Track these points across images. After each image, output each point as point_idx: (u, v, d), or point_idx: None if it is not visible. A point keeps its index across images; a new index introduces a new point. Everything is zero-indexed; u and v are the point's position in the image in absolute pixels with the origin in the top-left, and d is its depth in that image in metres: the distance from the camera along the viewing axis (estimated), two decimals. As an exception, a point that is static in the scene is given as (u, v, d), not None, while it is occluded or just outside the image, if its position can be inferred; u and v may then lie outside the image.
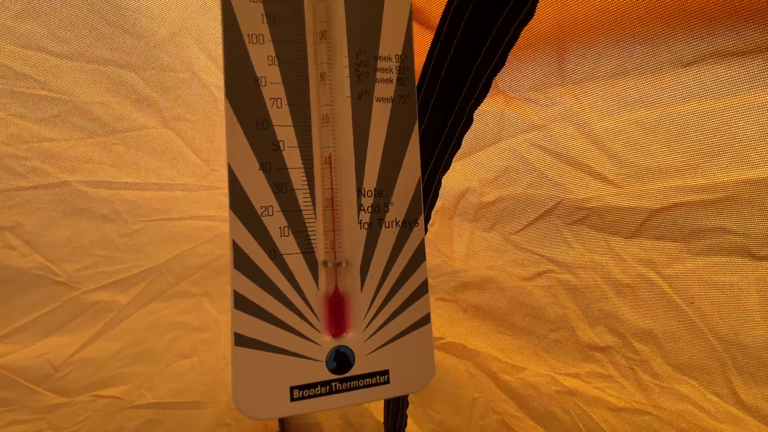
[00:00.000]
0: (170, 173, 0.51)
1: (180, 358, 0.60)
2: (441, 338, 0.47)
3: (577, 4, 0.21)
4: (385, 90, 0.18)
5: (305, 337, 0.17)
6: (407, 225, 0.18)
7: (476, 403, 0.49)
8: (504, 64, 0.22)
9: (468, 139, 0.28)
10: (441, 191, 0.35)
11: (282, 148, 0.17)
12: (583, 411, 0.38)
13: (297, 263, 0.17)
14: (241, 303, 0.16)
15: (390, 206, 0.18)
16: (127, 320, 0.54)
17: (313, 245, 0.17)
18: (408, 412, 0.55)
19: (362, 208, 0.18)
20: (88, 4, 0.38)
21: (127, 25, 0.40)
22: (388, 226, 0.18)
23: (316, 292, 0.17)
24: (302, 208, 0.17)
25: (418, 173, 0.19)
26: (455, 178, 0.37)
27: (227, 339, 0.63)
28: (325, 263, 0.17)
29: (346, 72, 0.17)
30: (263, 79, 0.16)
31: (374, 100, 0.18)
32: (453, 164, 0.32)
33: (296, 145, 0.17)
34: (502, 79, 0.26)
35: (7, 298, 0.44)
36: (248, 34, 0.16)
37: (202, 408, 0.63)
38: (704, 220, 0.23)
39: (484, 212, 0.35)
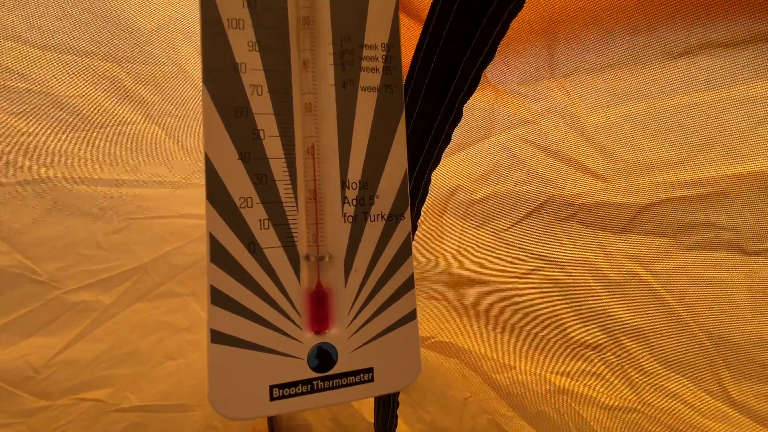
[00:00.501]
0: (156, 170, 0.50)
1: (166, 360, 0.59)
2: (431, 337, 0.47)
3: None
4: (370, 79, 0.17)
5: (286, 334, 0.16)
6: (393, 219, 0.18)
7: (467, 402, 0.49)
8: (493, 57, 0.22)
9: (457, 134, 0.27)
10: (431, 189, 0.35)
11: (262, 137, 0.16)
12: (573, 410, 0.38)
13: (277, 257, 0.16)
14: (218, 298, 0.15)
15: (375, 199, 0.17)
16: (111, 321, 0.53)
17: (295, 239, 0.16)
18: (398, 412, 0.54)
19: (346, 201, 0.17)
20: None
21: (111, 16, 0.39)
22: (374, 220, 0.17)
23: (298, 288, 0.16)
24: (283, 200, 0.16)
25: (405, 165, 0.18)
26: (445, 176, 0.36)
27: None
28: (307, 257, 0.16)
29: (330, 60, 0.17)
30: (243, 65, 0.16)
31: (359, 89, 0.17)
32: (443, 160, 0.31)
33: (277, 134, 0.16)
34: (491, 73, 0.25)
35: (-16, 297, 0.42)
36: (228, 19, 0.16)
37: (189, 411, 0.61)
38: (693, 215, 0.23)
39: (474, 209, 0.34)
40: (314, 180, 0.17)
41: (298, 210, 0.16)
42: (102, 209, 0.49)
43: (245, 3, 0.16)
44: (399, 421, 0.53)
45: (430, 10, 0.23)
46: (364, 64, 0.17)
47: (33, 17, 0.36)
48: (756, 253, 0.21)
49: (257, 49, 0.16)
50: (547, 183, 0.29)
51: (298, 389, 0.16)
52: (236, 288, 0.15)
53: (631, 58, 0.21)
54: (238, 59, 0.16)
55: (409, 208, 0.18)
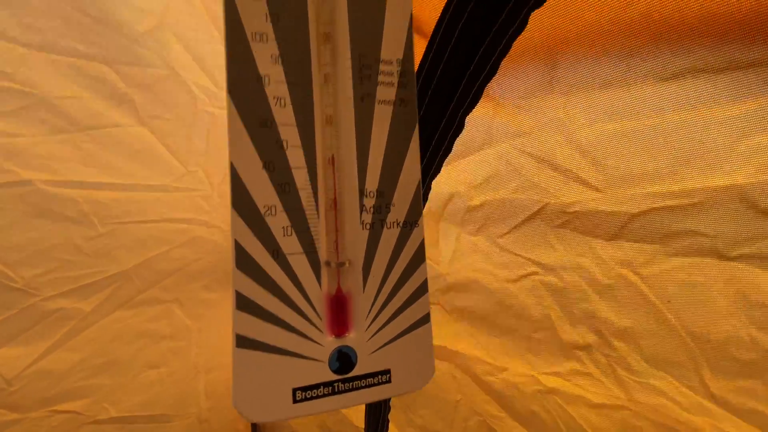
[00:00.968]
0: (144, 174, 0.49)
1: (147, 369, 0.58)
2: (423, 341, 0.47)
3: (567, 17, 0.22)
4: (386, 93, 0.18)
5: (308, 338, 0.16)
6: (408, 226, 0.18)
7: (459, 405, 0.49)
8: (496, 73, 0.23)
9: (457, 144, 0.28)
10: (427, 197, 0.36)
11: (285, 148, 0.16)
12: (563, 409, 0.39)
13: (300, 263, 0.16)
14: (243, 304, 0.16)
15: (391, 207, 0.18)
16: (89, 329, 0.51)
17: (317, 245, 0.17)
18: (389, 416, 0.55)
19: (364, 209, 0.18)
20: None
21: (103, 16, 0.38)
22: (390, 227, 0.18)
23: (319, 293, 0.17)
24: (305, 208, 0.17)
25: (419, 175, 0.19)
26: (442, 183, 0.37)
27: (199, 348, 0.61)
28: (328, 263, 0.17)
29: (349, 74, 0.18)
30: (267, 77, 0.16)
31: (376, 103, 0.18)
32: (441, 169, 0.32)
33: (300, 144, 0.17)
34: (492, 87, 0.27)
35: (-44, 305, 0.40)
36: (252, 32, 0.16)
37: (169, 421, 0.60)
38: (678, 223, 0.25)
39: (470, 216, 0.36)
40: (334, 189, 0.17)
41: (319, 218, 0.17)
42: (84, 213, 0.48)
43: (268, 17, 0.16)
44: (390, 425, 0.54)
45: (435, 26, 0.24)
46: (380, 78, 0.18)
47: (20, 14, 0.35)
48: (734, 259, 0.23)
49: (280, 62, 0.16)
50: (543, 192, 0.30)
51: (320, 391, 0.16)
52: (260, 293, 0.16)
53: (624, 79, 0.23)
54: (261, 71, 0.16)
55: (422, 215, 0.19)
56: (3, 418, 0.45)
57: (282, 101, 0.17)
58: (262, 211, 0.16)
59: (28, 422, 0.47)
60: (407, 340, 0.18)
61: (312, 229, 0.17)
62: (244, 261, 0.16)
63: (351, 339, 0.17)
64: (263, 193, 0.16)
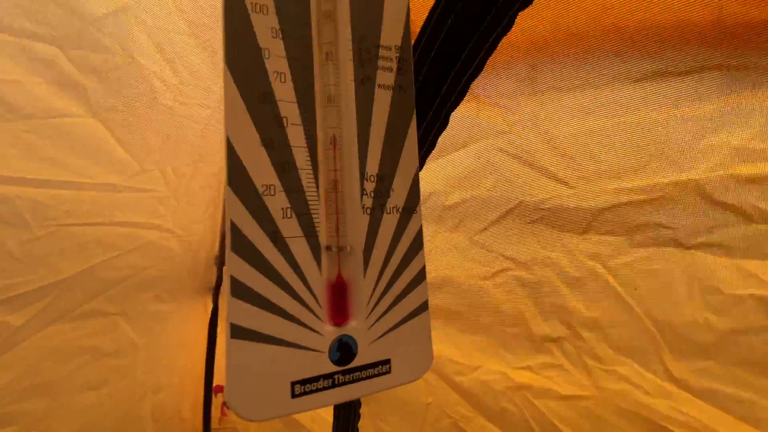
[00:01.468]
0: (92, 171, 0.45)
1: (86, 390, 0.52)
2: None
3: (547, 21, 0.24)
4: (386, 78, 0.18)
5: (308, 327, 0.15)
6: (407, 212, 0.18)
7: (429, 408, 0.49)
8: (482, 71, 0.24)
9: (439, 142, 0.29)
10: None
11: (286, 125, 0.16)
12: (532, 404, 0.41)
13: (300, 247, 0.16)
14: (238, 290, 0.14)
15: (391, 192, 0.18)
16: (19, 346, 0.45)
17: (317, 229, 0.16)
18: (358, 425, 0.53)
19: (365, 193, 0.17)
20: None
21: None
22: (389, 212, 0.18)
23: (319, 279, 0.16)
24: (306, 189, 0.16)
25: (417, 161, 0.19)
26: (421, 182, 0.38)
27: (146, 366, 0.56)
28: (328, 248, 0.16)
29: (350, 55, 0.17)
30: (267, 51, 0.15)
31: (376, 87, 0.18)
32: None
33: (300, 122, 0.16)
34: (477, 86, 0.28)
35: None
36: (252, 3, 0.15)
37: (109, 450, 0.54)
38: (643, 216, 0.27)
39: (448, 213, 0.36)
40: (335, 170, 0.17)
41: (319, 200, 0.16)
42: (18, 213, 0.43)
43: (268, -11, 0.16)
44: (360, 434, 0.52)
45: (423, 24, 0.24)
46: (380, 63, 0.18)
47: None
48: (693, 247, 0.26)
49: (281, 36, 0.16)
50: (518, 189, 0.32)
51: (320, 384, 0.15)
52: (258, 279, 0.15)
53: (599, 80, 0.24)
54: (262, 44, 0.15)
55: (420, 202, 0.19)
56: None
57: (282, 77, 0.16)
58: (261, 190, 0.15)
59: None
60: (407, 329, 0.17)
61: (312, 211, 0.16)
62: (240, 244, 0.14)
63: (351, 328, 0.16)
64: (262, 171, 0.15)
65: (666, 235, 0.26)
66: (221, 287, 0.63)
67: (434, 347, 0.49)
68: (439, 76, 0.26)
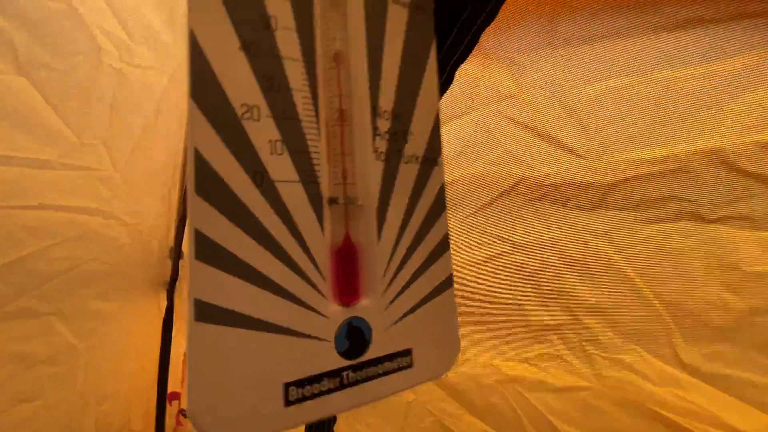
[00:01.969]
0: (21, 143, 0.37)
1: (17, 403, 0.45)
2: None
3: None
4: (400, -10, 0.14)
5: (307, 306, 0.11)
6: (428, 163, 0.14)
7: (411, 406, 0.46)
8: (494, 19, 0.20)
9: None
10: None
11: (274, 27, 0.11)
12: (522, 397, 0.38)
13: (295, 196, 0.11)
14: (206, 251, 0.10)
15: (409, 136, 0.14)
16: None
17: (317, 174, 0.12)
18: (334, 428, 0.49)
19: (378, 133, 0.13)
20: None
21: None
22: (407, 162, 0.14)
23: (322, 241, 0.11)
24: (302, 117, 0.11)
25: (438, 102, 0.15)
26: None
27: (88, 373, 0.49)
28: (333, 200, 0.12)
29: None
30: None
31: (389, 2, 0.14)
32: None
33: (294, 27, 0.11)
34: (487, 40, 0.24)
35: None
36: None
37: (45, 472, 0.47)
38: (661, 189, 0.24)
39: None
40: (340, 96, 0.12)
41: (320, 134, 0.12)
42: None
43: None
44: (336, 439, 0.48)
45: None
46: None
47: None
48: (715, 221, 0.24)
49: None
50: (520, 163, 0.29)
51: (324, 386, 0.11)
52: (234, 236, 0.10)
53: (622, 31, 0.22)
54: None
55: (442, 152, 0.15)
56: None
57: (269, -38, 0.11)
58: (239, 111, 0.10)
59: None
60: (429, 309, 0.13)
61: (311, 148, 0.12)
62: (209, 184, 0.10)
63: (363, 308, 0.12)
64: (241, 85, 0.10)
65: (685, 208, 0.24)
66: (177, 282, 0.57)
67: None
68: (445, 24, 0.22)
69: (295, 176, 0.11)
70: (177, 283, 0.57)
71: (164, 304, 0.58)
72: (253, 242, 0.10)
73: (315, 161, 0.12)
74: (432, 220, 0.14)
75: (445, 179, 0.36)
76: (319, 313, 0.11)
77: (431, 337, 0.13)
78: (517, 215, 0.31)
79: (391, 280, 0.13)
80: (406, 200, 0.13)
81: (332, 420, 0.48)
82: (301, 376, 0.11)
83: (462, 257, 0.37)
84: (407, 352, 0.13)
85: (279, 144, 0.11)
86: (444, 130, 0.32)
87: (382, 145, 0.13)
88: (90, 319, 0.52)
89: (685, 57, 0.22)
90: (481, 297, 0.37)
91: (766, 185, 0.22)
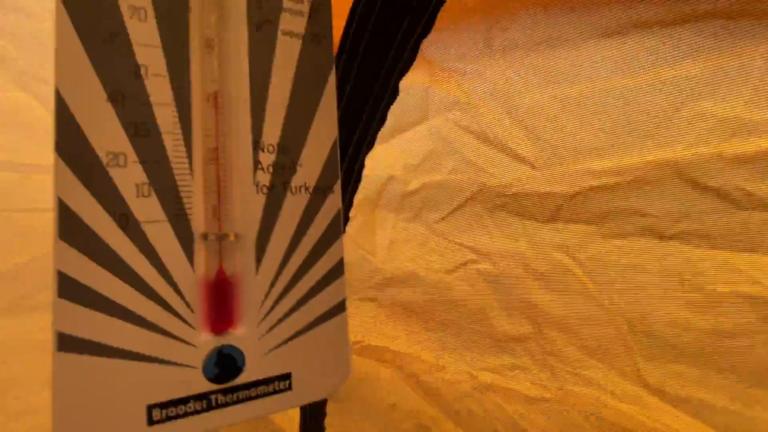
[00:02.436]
0: (27, 148, 0.41)
1: (47, 386, 0.48)
2: (359, 341, 0.45)
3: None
4: (293, 23, 0.14)
5: (171, 336, 0.12)
6: (320, 192, 0.15)
7: (395, 408, 0.47)
8: (431, 29, 0.20)
9: (390, 116, 0.25)
10: (364, 181, 0.32)
11: (144, 75, 0.12)
12: (499, 406, 0.38)
13: (161, 234, 0.12)
14: (68, 289, 0.11)
15: (298, 167, 0.14)
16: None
17: (188, 211, 0.12)
18: (326, 423, 0.51)
19: (260, 167, 0.14)
20: None
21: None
22: (295, 192, 0.14)
23: (190, 275, 0.12)
24: (172, 158, 0.12)
25: (335, 130, 0.15)
26: (378, 166, 0.34)
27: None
28: (205, 236, 0.13)
29: (241, -11, 0.13)
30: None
31: (279, 33, 0.14)
32: (376, 148, 0.29)
33: (166, 73, 0.12)
34: (429, 48, 0.24)
35: None
36: None
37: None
38: (616, 202, 0.24)
39: (407, 201, 0.33)
40: (216, 135, 0.13)
41: (192, 172, 0.13)
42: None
43: None
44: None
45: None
46: (285, 4, 0.14)
47: None
48: (671, 237, 0.23)
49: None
50: (480, 171, 0.28)
51: (190, 407, 0.12)
52: (98, 275, 0.11)
53: (565, 36, 0.21)
54: (109, -33, 0.12)
55: (339, 180, 0.15)
56: None
57: (141, 12, 0.12)
58: (105, 159, 0.11)
59: None
60: (315, 335, 0.14)
61: (181, 188, 0.12)
62: (72, 229, 0.11)
63: (237, 336, 0.13)
64: (106, 135, 0.11)
65: (641, 223, 0.23)
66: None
67: (395, 345, 0.46)
68: (385, 36, 0.22)
69: (162, 216, 0.12)
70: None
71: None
72: (116, 279, 0.11)
73: (186, 199, 0.12)
74: (323, 248, 0.15)
75: (411, 187, 0.36)
76: (185, 341, 0.12)
77: (315, 361, 0.14)
78: (480, 224, 0.31)
79: (270, 309, 0.13)
80: (292, 230, 0.14)
81: (322, 415, 0.50)
82: (165, 399, 0.12)
83: (433, 265, 0.37)
84: (286, 377, 0.14)
85: (146, 186, 0.12)
86: (402, 139, 0.32)
87: (265, 178, 0.14)
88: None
89: (631, 64, 0.21)
90: (451, 305, 0.37)
91: (725, 201, 0.21)
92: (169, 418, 0.12)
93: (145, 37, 0.12)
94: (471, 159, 0.28)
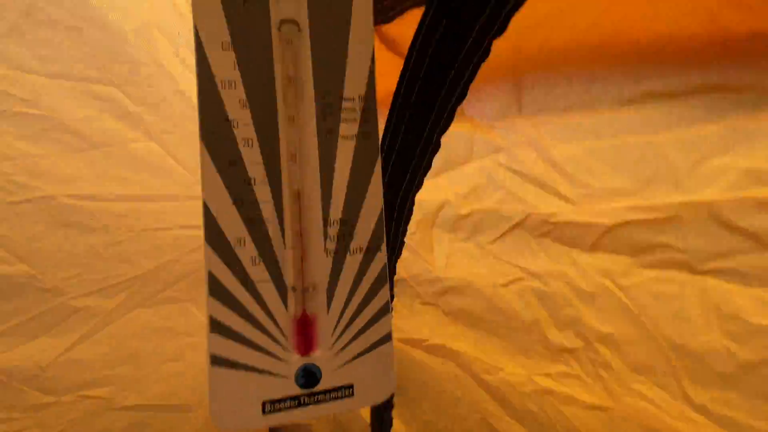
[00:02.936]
0: (156, 184, 0.53)
1: (167, 362, 0.61)
2: (425, 340, 0.49)
3: (532, 42, 0.23)
4: (349, 128, 0.20)
5: (275, 356, 0.18)
6: (370, 251, 0.20)
7: (459, 402, 0.51)
8: (465, 96, 0.24)
9: (441, 157, 0.29)
10: (422, 204, 0.37)
11: (253, 184, 0.18)
12: (556, 408, 0.40)
13: (267, 289, 0.18)
14: (216, 327, 0.17)
15: (354, 235, 0.20)
16: (112, 325, 0.55)
17: (282, 273, 0.19)
18: (395, 413, 0.57)
19: (328, 237, 0.19)
20: (76, 29, 0.39)
21: (110, 46, 0.41)
22: (353, 253, 0.20)
23: (286, 315, 0.18)
24: (272, 238, 0.18)
25: (381, 204, 0.20)
26: (433, 192, 0.39)
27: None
28: (293, 288, 0.19)
29: (313, 112, 0.19)
30: (235, 121, 0.18)
31: (339, 138, 0.19)
32: (430, 180, 0.34)
33: (266, 181, 0.18)
34: (467, 108, 0.28)
35: (-10, 304, 0.44)
36: (221, 80, 0.18)
37: (189, 411, 0.64)
38: (652, 236, 0.25)
39: (460, 224, 0.37)
40: (299, 220, 0.19)
41: (285, 247, 0.19)
42: (104, 224, 0.52)
43: (236, 65, 0.18)
44: (396, 420, 0.56)
45: (408, 52, 0.25)
46: (343, 115, 0.19)
47: (36, 48, 0.39)
48: (705, 273, 0.24)
49: (248, 106, 0.18)
50: (524, 203, 0.31)
51: (287, 404, 0.18)
52: (232, 317, 0.18)
53: (587, 103, 0.23)
54: (231, 116, 0.18)
55: (384, 241, 0.20)
56: (40, 401, 0.49)
57: (250, 142, 0.18)
58: (233, 243, 0.18)
59: (62, 405, 0.51)
60: (370, 357, 0.20)
61: (279, 257, 0.18)
62: (217, 289, 0.18)
63: (316, 357, 0.19)
64: (233, 226, 0.18)
65: (676, 258, 0.24)
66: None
67: (459, 346, 0.50)
68: (427, 102, 0.26)
69: (268, 277, 0.18)
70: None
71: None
72: (242, 320, 0.18)
73: (282, 265, 0.19)
74: (374, 293, 0.20)
75: (463, 211, 0.40)
76: (283, 360, 0.18)
77: (370, 377, 0.20)
78: (527, 248, 0.34)
79: (338, 338, 0.19)
80: (351, 281, 0.20)
81: (390, 406, 0.56)
82: (272, 398, 0.18)
83: (487, 278, 0.40)
84: (350, 387, 0.19)
85: (257, 258, 0.18)
86: (450, 175, 0.36)
87: (332, 245, 0.19)
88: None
89: (649, 125, 0.22)
90: (507, 314, 0.40)
91: (754, 241, 0.21)
92: (274, 410, 0.18)
93: (253, 158, 0.18)
94: (515, 192, 0.31)
